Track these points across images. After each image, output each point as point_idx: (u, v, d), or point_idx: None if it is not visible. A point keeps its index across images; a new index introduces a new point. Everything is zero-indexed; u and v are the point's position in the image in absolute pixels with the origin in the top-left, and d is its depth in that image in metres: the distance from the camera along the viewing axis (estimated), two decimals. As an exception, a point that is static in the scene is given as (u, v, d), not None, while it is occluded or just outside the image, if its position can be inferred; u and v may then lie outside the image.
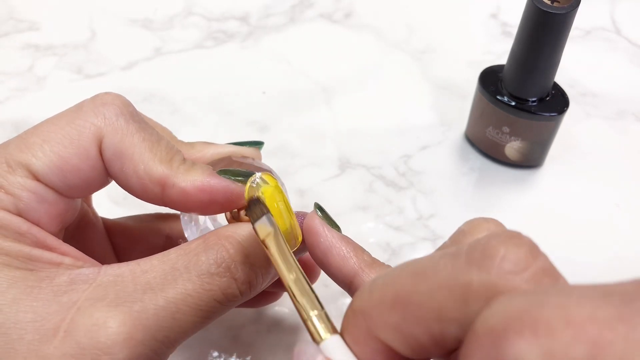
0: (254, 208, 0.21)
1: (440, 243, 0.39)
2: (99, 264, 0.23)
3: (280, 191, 0.23)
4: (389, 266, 0.22)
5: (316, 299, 0.19)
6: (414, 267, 0.16)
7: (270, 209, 0.21)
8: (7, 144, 0.23)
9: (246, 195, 0.22)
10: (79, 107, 0.24)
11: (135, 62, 0.50)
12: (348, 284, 0.22)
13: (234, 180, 0.23)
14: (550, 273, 0.15)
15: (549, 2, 0.34)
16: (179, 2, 0.54)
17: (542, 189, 0.42)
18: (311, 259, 0.24)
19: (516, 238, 0.15)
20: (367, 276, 0.22)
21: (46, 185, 0.22)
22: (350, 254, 0.22)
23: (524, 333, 0.12)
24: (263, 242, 0.20)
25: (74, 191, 0.23)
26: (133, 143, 0.23)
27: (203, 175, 0.23)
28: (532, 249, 0.15)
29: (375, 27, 0.53)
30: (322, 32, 0.52)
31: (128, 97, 0.24)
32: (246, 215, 0.22)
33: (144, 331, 0.20)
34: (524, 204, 0.41)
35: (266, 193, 0.22)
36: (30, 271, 0.21)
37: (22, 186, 0.22)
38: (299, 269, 0.20)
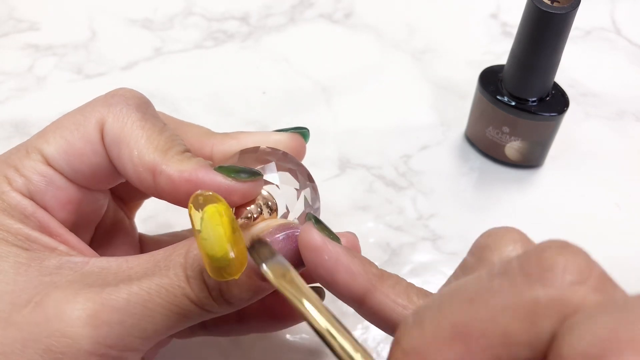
0: (261, 249, 0.20)
1: (440, 243, 0.39)
2: (97, 255, 0.24)
3: (225, 214, 0.20)
4: (397, 276, 0.21)
5: (353, 339, 0.17)
6: (466, 293, 0.15)
7: (204, 231, 0.20)
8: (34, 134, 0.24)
9: (190, 211, 0.20)
10: (93, 99, 0.24)
11: (135, 62, 0.50)
12: (359, 302, 0.21)
13: (226, 176, 0.22)
14: (609, 279, 0.14)
15: (549, 2, 0.34)
16: (179, 2, 0.54)
17: (542, 189, 0.42)
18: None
19: (570, 247, 0.15)
20: (380, 293, 0.20)
21: (55, 169, 0.23)
22: (359, 269, 0.20)
23: (625, 355, 0.12)
24: (277, 285, 0.19)
25: (81, 177, 0.24)
26: (132, 130, 0.23)
27: (195, 166, 0.22)
28: (587, 257, 0.14)
29: (375, 27, 0.53)
30: (322, 32, 0.52)
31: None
32: (251, 256, 0.20)
33: (111, 312, 0.20)
34: (524, 204, 0.41)
35: (208, 212, 0.20)
36: (25, 250, 0.22)
37: (33, 169, 0.23)
38: (327, 309, 0.18)
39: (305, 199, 0.25)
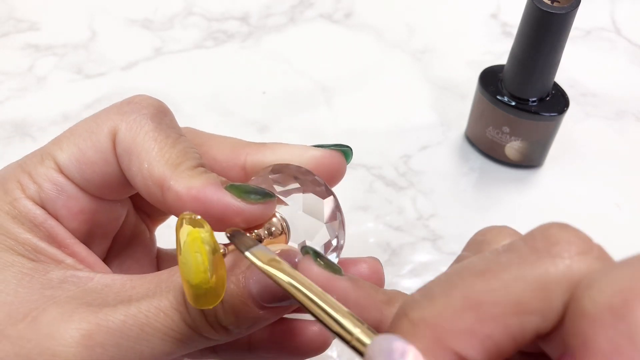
0: (243, 238, 0.20)
1: (440, 243, 0.39)
2: (109, 271, 0.23)
3: (206, 242, 0.19)
4: (401, 294, 0.21)
5: (352, 315, 0.17)
6: (476, 268, 0.16)
7: (183, 256, 0.19)
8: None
9: (176, 232, 0.19)
10: (109, 106, 0.24)
11: (135, 62, 0.49)
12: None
13: (236, 196, 0.21)
14: (605, 251, 0.15)
15: (549, 2, 0.34)
16: (179, 2, 0.54)
17: (542, 189, 0.42)
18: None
19: (570, 226, 0.16)
20: (389, 319, 0.19)
21: (67, 177, 0.23)
22: (368, 301, 0.19)
23: None
24: (264, 269, 0.18)
25: (92, 187, 0.23)
26: (144, 141, 0.22)
27: (204, 183, 0.21)
28: (585, 234, 0.15)
29: (375, 27, 0.53)
30: (322, 32, 0.52)
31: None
32: (233, 244, 0.19)
33: (106, 334, 0.20)
34: (524, 204, 0.41)
35: (190, 236, 0.19)
36: (30, 260, 0.22)
37: (46, 176, 0.23)
38: (321, 292, 0.18)
39: (330, 231, 0.23)
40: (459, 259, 0.19)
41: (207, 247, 0.19)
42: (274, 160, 0.24)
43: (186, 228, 0.19)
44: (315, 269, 0.19)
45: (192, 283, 0.19)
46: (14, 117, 0.45)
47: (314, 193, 0.23)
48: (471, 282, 0.15)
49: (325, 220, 0.23)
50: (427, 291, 0.16)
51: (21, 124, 0.45)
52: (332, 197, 0.23)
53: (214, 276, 0.19)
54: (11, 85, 0.47)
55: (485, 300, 0.15)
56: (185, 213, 0.19)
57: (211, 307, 0.19)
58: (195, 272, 0.18)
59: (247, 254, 0.19)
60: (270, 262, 0.18)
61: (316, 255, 0.20)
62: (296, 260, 0.21)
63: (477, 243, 0.19)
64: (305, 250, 0.20)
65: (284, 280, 0.18)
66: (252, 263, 0.19)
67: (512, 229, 0.19)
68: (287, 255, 0.21)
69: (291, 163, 0.24)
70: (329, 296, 0.17)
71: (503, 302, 0.15)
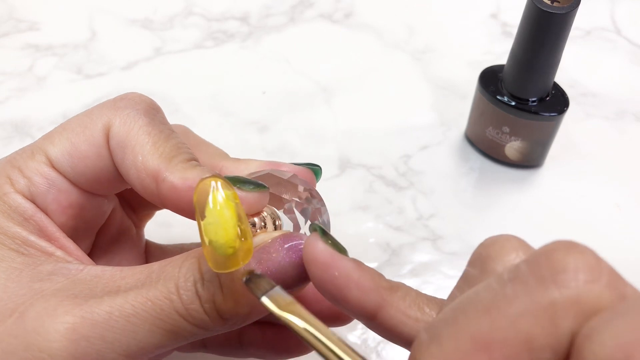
0: (259, 281, 0.19)
1: (440, 243, 0.39)
2: (94, 264, 0.23)
3: (233, 199, 0.19)
4: (405, 285, 0.20)
5: (360, 357, 0.16)
6: (481, 304, 0.15)
7: (210, 216, 0.18)
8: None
9: (195, 197, 0.19)
10: (102, 102, 0.24)
11: (135, 62, 0.50)
12: (369, 318, 0.19)
13: (231, 185, 0.21)
14: (618, 275, 0.15)
15: (549, 2, 0.34)
16: (179, 2, 0.54)
17: (542, 189, 0.42)
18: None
19: (577, 246, 0.15)
20: (391, 307, 0.19)
21: (58, 171, 0.23)
22: (370, 284, 0.19)
23: None
24: (281, 316, 0.18)
25: (84, 181, 0.23)
26: (138, 135, 0.22)
27: (199, 174, 0.21)
28: (595, 255, 0.15)
29: (375, 27, 0.53)
30: (322, 32, 0.52)
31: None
32: (247, 288, 0.19)
33: (91, 327, 0.19)
34: (524, 204, 0.41)
35: (216, 194, 0.19)
36: (20, 254, 0.22)
37: (37, 170, 0.23)
38: (339, 338, 0.17)
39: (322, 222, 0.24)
40: (464, 276, 0.19)
41: (234, 204, 0.19)
42: (250, 169, 0.25)
43: (211, 188, 0.18)
44: (320, 245, 0.19)
45: (220, 241, 0.18)
46: (14, 117, 0.45)
47: (292, 191, 0.23)
48: (478, 321, 0.15)
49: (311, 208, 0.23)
50: (434, 332, 0.16)
51: (21, 124, 0.45)
52: (314, 192, 0.24)
53: (243, 232, 0.18)
54: (11, 85, 0.47)
55: (494, 340, 0.14)
56: (206, 176, 0.19)
57: (237, 267, 0.19)
58: (224, 228, 0.18)
59: (264, 299, 0.18)
60: (287, 307, 0.18)
61: (323, 232, 0.20)
62: (302, 243, 0.20)
63: (482, 259, 0.18)
64: (314, 227, 0.20)
65: (299, 327, 0.17)
66: (268, 309, 0.18)
67: (516, 239, 0.18)
68: (288, 238, 0.21)
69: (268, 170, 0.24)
70: (345, 343, 0.17)
71: (513, 340, 0.14)
